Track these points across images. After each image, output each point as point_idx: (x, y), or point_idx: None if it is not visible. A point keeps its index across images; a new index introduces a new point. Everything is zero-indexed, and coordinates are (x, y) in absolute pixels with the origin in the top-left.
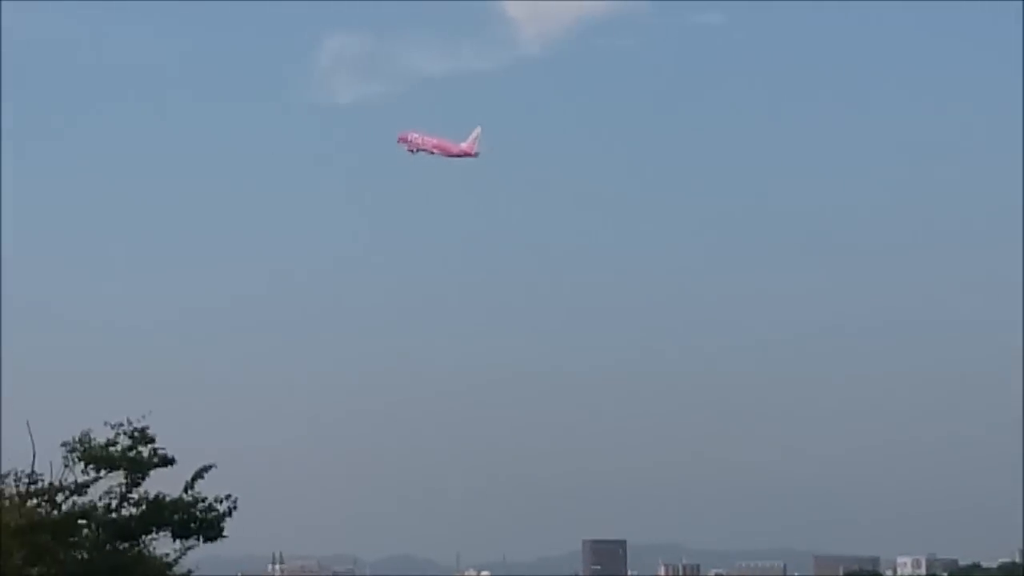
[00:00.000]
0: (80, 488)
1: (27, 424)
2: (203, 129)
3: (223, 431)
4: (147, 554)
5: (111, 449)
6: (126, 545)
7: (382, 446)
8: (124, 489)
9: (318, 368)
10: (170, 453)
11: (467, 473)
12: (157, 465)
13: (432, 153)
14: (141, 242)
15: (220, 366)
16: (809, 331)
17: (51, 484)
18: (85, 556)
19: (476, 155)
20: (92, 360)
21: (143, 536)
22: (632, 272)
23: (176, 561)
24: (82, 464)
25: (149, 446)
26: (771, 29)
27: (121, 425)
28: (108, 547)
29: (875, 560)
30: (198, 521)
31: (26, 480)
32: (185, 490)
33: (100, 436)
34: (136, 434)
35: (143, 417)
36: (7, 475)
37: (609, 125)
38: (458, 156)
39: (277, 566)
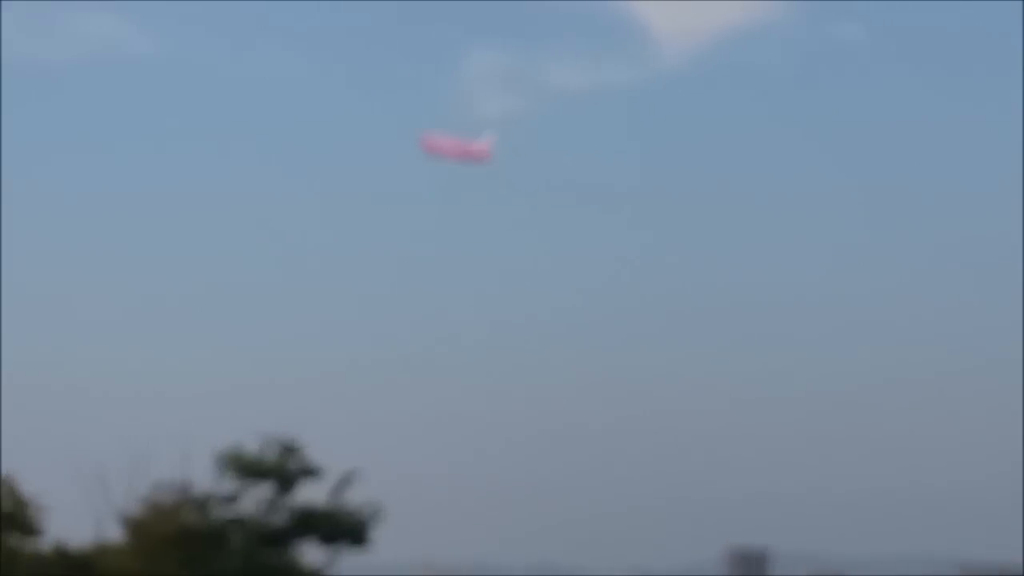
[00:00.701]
0: (231, 498)
1: (181, 436)
2: (348, 143)
3: (371, 438)
4: (296, 561)
5: (260, 461)
6: (275, 553)
7: (522, 454)
8: (273, 498)
9: (460, 377)
10: (318, 463)
11: (605, 479)
12: (304, 475)
13: (449, 156)
14: (293, 252)
15: (366, 373)
16: (943, 339)
17: (203, 494)
18: (236, 564)
19: (490, 158)
20: (245, 371)
21: (292, 543)
22: (770, 287)
23: (324, 568)
24: (233, 474)
25: (297, 456)
26: (912, 39)
27: (271, 436)
28: (258, 555)
29: (1017, 566)
30: (345, 528)
31: (179, 490)
32: (332, 498)
33: (250, 447)
34: (285, 445)
35: (292, 428)
36: (161, 486)
37: (749, 139)
38: (473, 158)
39: (422, 572)
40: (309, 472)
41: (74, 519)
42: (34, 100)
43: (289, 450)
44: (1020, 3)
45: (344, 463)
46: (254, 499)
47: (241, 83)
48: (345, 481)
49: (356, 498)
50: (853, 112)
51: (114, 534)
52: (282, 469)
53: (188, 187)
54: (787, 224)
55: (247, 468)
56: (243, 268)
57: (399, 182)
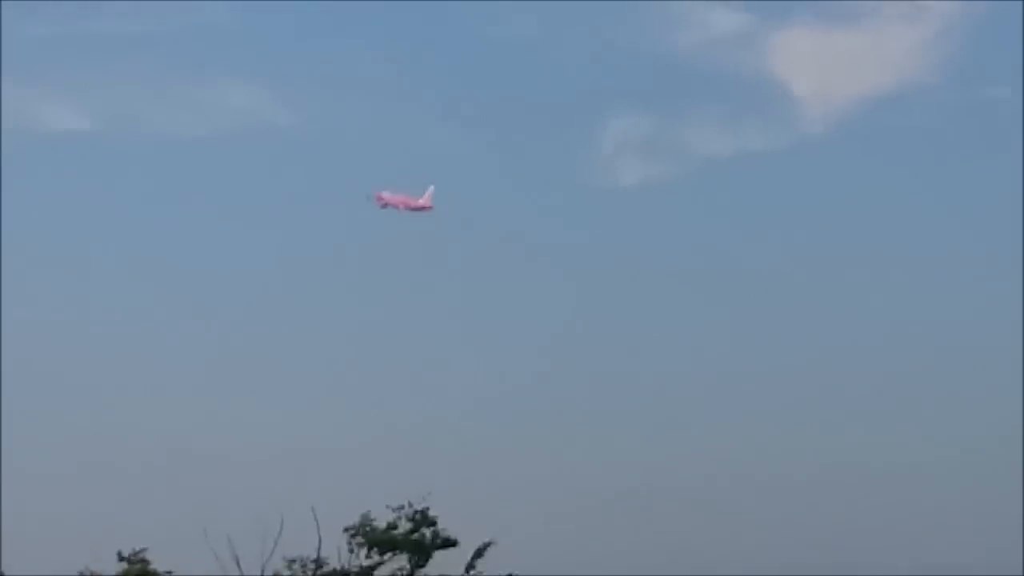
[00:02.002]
0: (365, 572)
1: (312, 510)
2: (488, 212)
3: (502, 507)
4: None
5: (393, 532)
6: None
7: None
8: (408, 572)
9: (586, 442)
10: (452, 534)
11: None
12: (440, 547)
13: (398, 208)
14: (434, 320)
15: (497, 440)
16: None
17: (336, 569)
18: None
19: (432, 208)
20: (372, 438)
21: None
22: (900, 359)
23: None
24: (366, 548)
25: (431, 528)
26: None
27: (402, 508)
28: None
29: None
30: None
31: (313, 566)
32: (467, 570)
33: (382, 519)
34: (418, 516)
35: (423, 498)
36: (295, 561)
37: (892, 205)
38: (418, 210)
39: None
40: (446, 544)
41: None
42: (175, 175)
43: (424, 521)
44: None
45: (479, 531)
46: (388, 573)
47: (383, 153)
48: (480, 551)
49: (492, 568)
50: (1001, 176)
51: None
52: (417, 541)
53: (328, 254)
54: (922, 294)
55: (380, 541)
56: (377, 333)
57: (538, 251)
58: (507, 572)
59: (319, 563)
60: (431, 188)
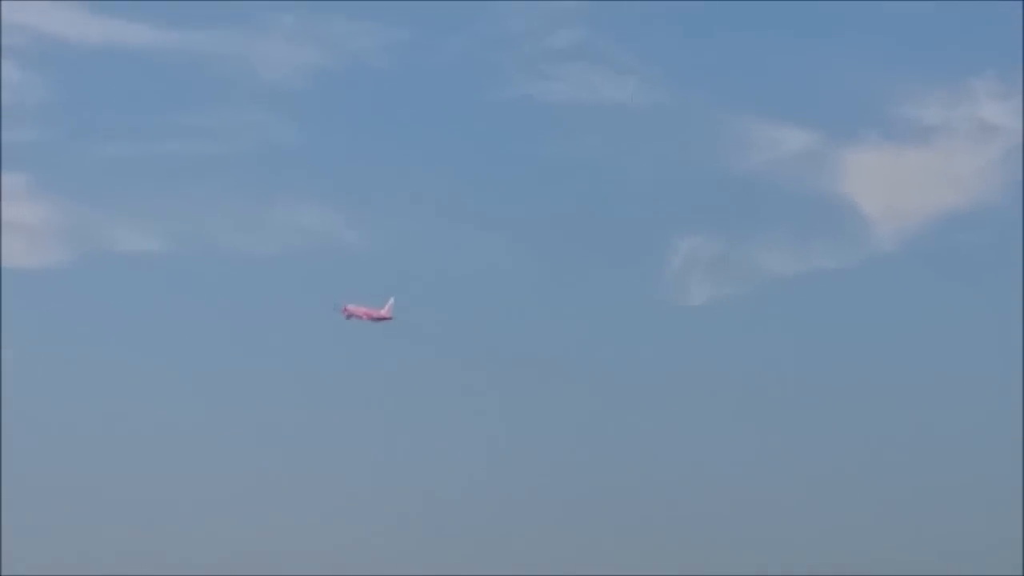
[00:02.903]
0: None
1: None
2: (552, 335)
3: None
4: None
5: None
6: None
7: None
8: None
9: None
10: None
11: None
12: None
13: (361, 318)
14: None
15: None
16: None
17: None
18: None
19: (391, 318)
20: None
21: None
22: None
23: None
24: None
25: None
26: None
27: None
28: None
29: None
30: None
31: None
32: None
33: None
34: None
35: None
36: None
37: (965, 321)
38: (379, 320)
39: None
40: None
41: None
42: (242, 292)
43: None
44: None
45: None
46: None
47: (450, 274)
48: None
49: None
50: None
51: None
52: None
53: (405, 372)
54: (994, 409)
55: None
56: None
57: (611, 370)
58: None
59: None
60: (391, 300)
